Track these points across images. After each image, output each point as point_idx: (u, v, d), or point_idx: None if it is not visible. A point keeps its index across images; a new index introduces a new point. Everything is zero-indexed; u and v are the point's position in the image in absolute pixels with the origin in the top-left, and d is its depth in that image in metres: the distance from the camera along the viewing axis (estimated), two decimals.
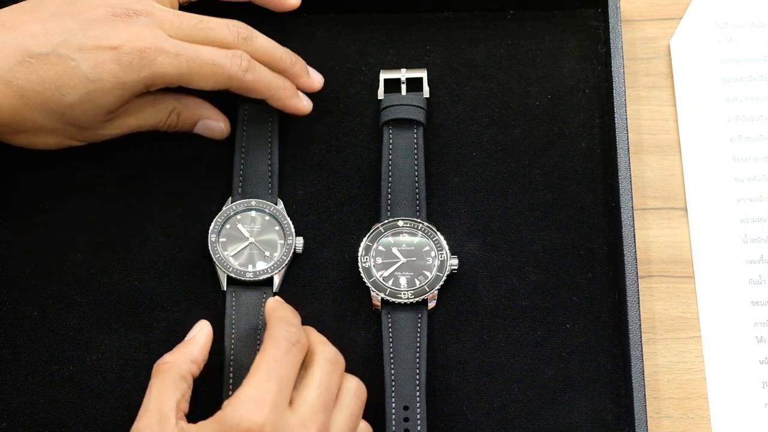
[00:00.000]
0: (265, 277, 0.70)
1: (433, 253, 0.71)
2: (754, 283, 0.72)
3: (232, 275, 0.70)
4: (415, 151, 0.74)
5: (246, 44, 0.70)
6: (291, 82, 0.73)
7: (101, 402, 0.69)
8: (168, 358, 0.64)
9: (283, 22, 0.78)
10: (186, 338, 0.66)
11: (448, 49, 0.77)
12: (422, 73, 0.76)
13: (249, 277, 0.70)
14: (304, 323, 0.70)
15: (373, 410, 0.68)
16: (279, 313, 0.64)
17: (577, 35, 0.77)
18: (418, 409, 0.67)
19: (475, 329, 0.70)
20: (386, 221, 0.72)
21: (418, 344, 0.69)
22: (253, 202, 0.72)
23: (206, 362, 0.69)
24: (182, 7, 0.73)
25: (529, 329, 0.70)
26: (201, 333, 0.65)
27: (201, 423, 0.60)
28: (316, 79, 0.74)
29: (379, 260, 0.71)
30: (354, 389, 0.63)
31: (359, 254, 0.71)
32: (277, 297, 0.68)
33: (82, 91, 0.66)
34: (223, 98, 0.76)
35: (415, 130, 0.74)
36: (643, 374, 0.67)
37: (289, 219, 0.72)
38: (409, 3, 0.78)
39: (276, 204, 0.72)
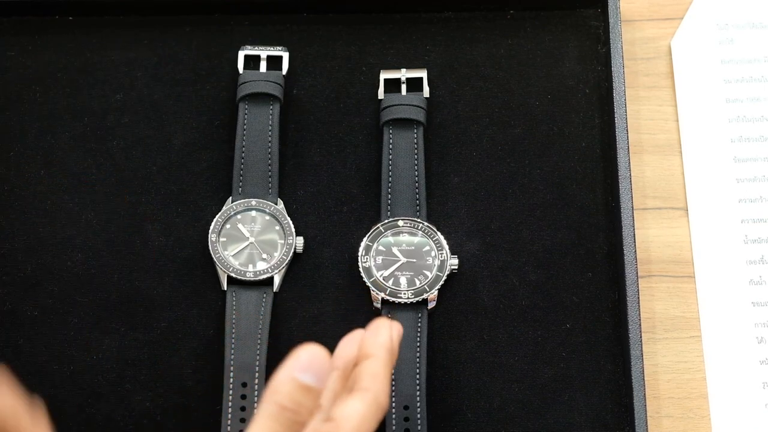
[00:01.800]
0: (265, 276, 0.71)
1: (433, 253, 0.71)
2: (755, 283, 0.72)
3: (233, 275, 0.70)
4: (415, 151, 0.74)
5: None
6: None
7: (101, 402, 0.69)
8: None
9: (284, 22, 0.78)
10: None
11: (448, 49, 0.77)
12: (422, 73, 0.76)
13: (249, 276, 0.70)
14: (304, 323, 0.71)
15: None
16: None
17: (577, 35, 0.77)
18: (418, 409, 0.67)
19: (475, 329, 0.70)
20: (386, 221, 0.72)
21: (418, 344, 0.69)
22: (254, 201, 0.72)
23: (206, 362, 0.70)
24: None
25: (529, 329, 0.70)
26: None
27: None
28: None
29: (380, 260, 0.71)
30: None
31: (359, 254, 0.71)
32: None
33: None
34: (224, 98, 0.76)
35: (415, 130, 0.74)
36: (643, 374, 0.67)
37: (289, 219, 0.72)
38: (409, 3, 0.78)
39: (276, 204, 0.72)
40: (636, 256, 0.69)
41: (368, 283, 0.70)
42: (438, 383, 0.69)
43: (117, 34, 0.78)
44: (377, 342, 0.57)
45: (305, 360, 0.54)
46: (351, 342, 0.58)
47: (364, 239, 0.71)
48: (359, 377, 0.56)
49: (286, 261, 0.71)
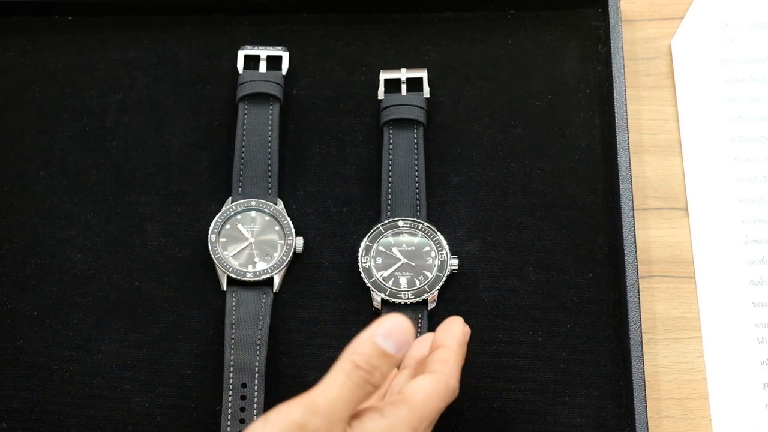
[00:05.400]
0: (265, 277, 0.70)
1: (433, 254, 0.71)
2: (755, 284, 0.72)
3: (232, 275, 0.70)
4: (416, 151, 0.74)
5: None
6: None
7: (101, 402, 0.69)
8: None
9: (284, 22, 0.78)
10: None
11: (448, 49, 0.77)
12: (422, 73, 0.76)
13: (249, 277, 0.70)
14: (304, 323, 0.71)
15: None
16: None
17: (577, 35, 0.77)
18: None
19: (475, 329, 0.70)
20: (386, 221, 0.72)
21: None
22: (253, 202, 0.72)
23: (206, 362, 0.69)
24: None
25: (530, 329, 0.70)
26: None
27: None
28: None
29: (379, 260, 0.71)
30: None
31: (359, 254, 0.71)
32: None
33: None
34: (223, 98, 0.76)
35: (415, 130, 0.74)
36: (644, 374, 0.67)
37: (289, 219, 0.72)
38: (409, 3, 0.78)
39: (276, 204, 0.72)
40: (636, 257, 0.69)
41: (368, 284, 0.70)
42: None
43: (117, 34, 0.78)
44: (449, 334, 0.61)
45: (388, 327, 0.56)
46: (422, 342, 0.63)
47: (364, 239, 0.71)
48: (430, 363, 0.60)
49: (286, 261, 0.71)
